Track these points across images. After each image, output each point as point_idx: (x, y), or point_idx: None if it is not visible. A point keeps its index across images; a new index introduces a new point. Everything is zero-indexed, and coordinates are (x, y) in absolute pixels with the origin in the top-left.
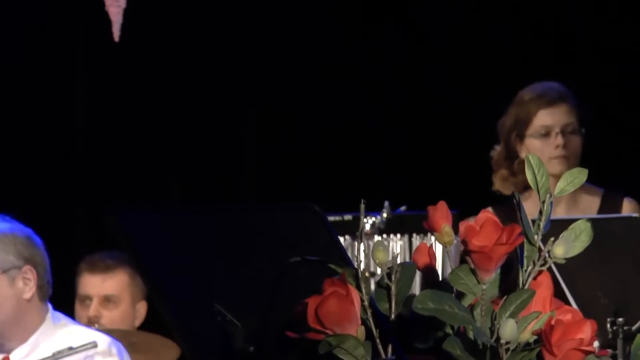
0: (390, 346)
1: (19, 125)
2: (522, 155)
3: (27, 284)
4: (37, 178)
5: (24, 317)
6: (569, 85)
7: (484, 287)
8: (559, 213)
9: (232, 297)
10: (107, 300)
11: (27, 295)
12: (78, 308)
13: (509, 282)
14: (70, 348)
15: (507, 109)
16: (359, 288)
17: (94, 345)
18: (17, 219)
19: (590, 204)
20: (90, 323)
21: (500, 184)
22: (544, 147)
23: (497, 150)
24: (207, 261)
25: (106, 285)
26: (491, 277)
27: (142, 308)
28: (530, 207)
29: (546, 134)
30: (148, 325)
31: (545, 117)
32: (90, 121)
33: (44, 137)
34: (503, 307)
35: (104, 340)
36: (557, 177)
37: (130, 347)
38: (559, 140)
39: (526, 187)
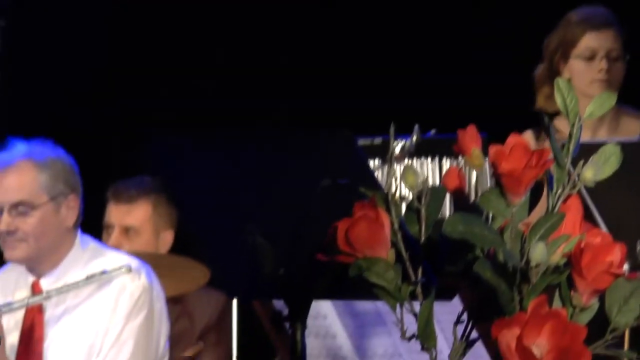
0: (420, 269)
1: (52, 49)
2: (565, 75)
3: (70, 212)
4: (68, 102)
5: (61, 244)
6: (616, 12)
7: (514, 210)
8: (602, 136)
9: (264, 219)
10: (128, 230)
11: (69, 223)
12: (104, 236)
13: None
14: (103, 272)
15: (554, 30)
16: (389, 211)
17: (128, 269)
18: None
19: (633, 128)
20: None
21: (543, 101)
22: (587, 69)
23: (541, 68)
24: (239, 185)
25: (128, 216)
26: (521, 200)
27: (167, 237)
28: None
29: (591, 57)
30: (177, 250)
31: (591, 40)
32: (119, 45)
33: (77, 59)
34: (533, 230)
35: (133, 263)
36: None
37: (159, 270)
38: (603, 64)
39: None
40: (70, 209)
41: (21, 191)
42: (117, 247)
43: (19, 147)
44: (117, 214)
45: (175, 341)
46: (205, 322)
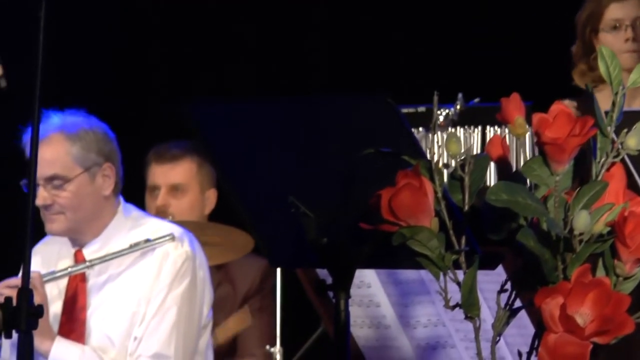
0: (463, 237)
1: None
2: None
3: (105, 181)
4: (107, 69)
5: (101, 213)
6: None
7: (557, 178)
8: (637, 106)
9: (306, 188)
10: (174, 189)
11: (106, 192)
12: (148, 199)
13: (582, 174)
14: (147, 240)
15: (584, 4)
16: (432, 180)
17: (171, 237)
18: (90, 111)
19: None
20: (158, 213)
21: (579, 79)
22: (615, 40)
23: (576, 45)
24: (281, 152)
25: (173, 174)
26: (564, 168)
27: (212, 195)
28: (607, 100)
29: (616, 27)
30: (219, 212)
31: (615, 11)
32: (163, 14)
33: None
34: (576, 199)
35: (176, 231)
36: (628, 71)
37: (203, 238)
38: (629, 33)
39: (604, 81)
40: (106, 178)
41: (54, 165)
42: (165, 206)
43: (52, 120)
44: (162, 173)
45: (218, 307)
46: (247, 287)
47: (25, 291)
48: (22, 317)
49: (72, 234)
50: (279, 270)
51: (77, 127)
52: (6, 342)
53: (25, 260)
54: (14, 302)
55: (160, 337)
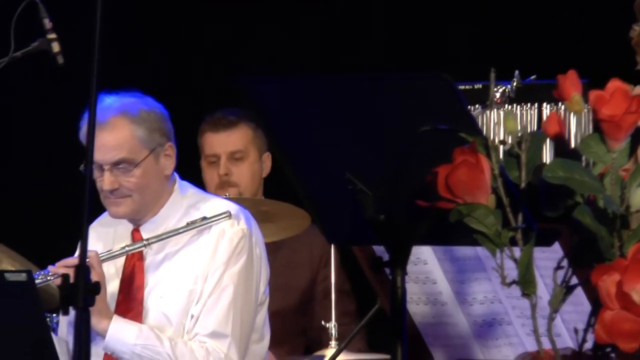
0: (520, 214)
1: None
2: None
3: (167, 160)
4: (161, 45)
5: (162, 192)
6: None
7: (614, 155)
8: None
9: (363, 165)
10: (234, 155)
11: (168, 171)
12: (206, 168)
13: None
14: (204, 218)
15: None
16: (489, 157)
17: (228, 215)
18: (136, 85)
19: None
20: (221, 181)
21: None
22: None
23: (636, 30)
24: (338, 130)
25: (232, 141)
26: (621, 145)
27: (267, 159)
28: None
29: None
30: (274, 182)
31: None
32: None
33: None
34: (633, 176)
35: (232, 208)
36: None
37: (260, 215)
38: None
39: None
40: (168, 157)
41: (121, 149)
42: (227, 175)
43: (110, 102)
44: (220, 141)
45: (274, 269)
46: (321, 250)
47: (83, 268)
48: (79, 294)
49: (136, 216)
50: (333, 247)
51: (137, 108)
52: (63, 320)
53: (82, 239)
54: (71, 279)
55: (217, 316)
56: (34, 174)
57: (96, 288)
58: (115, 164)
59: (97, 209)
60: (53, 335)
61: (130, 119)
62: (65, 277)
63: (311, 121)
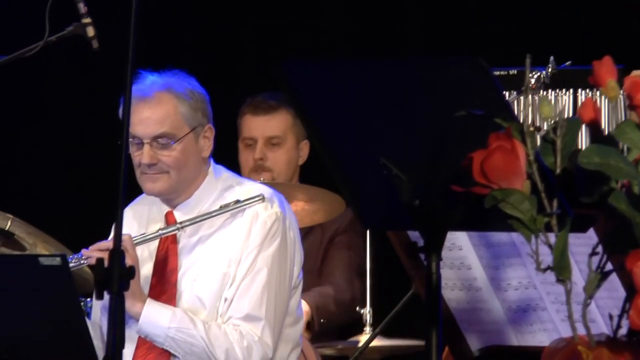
0: (555, 200)
1: None
2: None
3: (206, 143)
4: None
5: (198, 174)
6: None
7: None
8: None
9: (398, 150)
10: (271, 141)
11: (206, 153)
12: (242, 150)
13: None
14: (237, 201)
15: None
16: (524, 142)
17: (261, 198)
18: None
19: None
20: (256, 165)
21: None
22: None
23: None
24: (373, 114)
25: (270, 126)
26: None
27: (305, 147)
28: None
29: None
30: (310, 167)
31: None
32: None
33: None
34: None
35: (266, 192)
36: None
37: (295, 200)
38: None
39: None
40: (207, 139)
41: (163, 124)
42: (262, 159)
43: (155, 79)
44: (258, 125)
45: (306, 251)
46: (335, 227)
47: (117, 252)
48: (114, 278)
49: (170, 194)
50: (369, 232)
51: (183, 86)
52: (96, 305)
53: (117, 222)
54: (106, 264)
55: (251, 299)
56: (68, 158)
57: (131, 273)
58: (156, 138)
59: (132, 193)
60: (87, 319)
61: (174, 95)
62: (99, 261)
63: (347, 105)
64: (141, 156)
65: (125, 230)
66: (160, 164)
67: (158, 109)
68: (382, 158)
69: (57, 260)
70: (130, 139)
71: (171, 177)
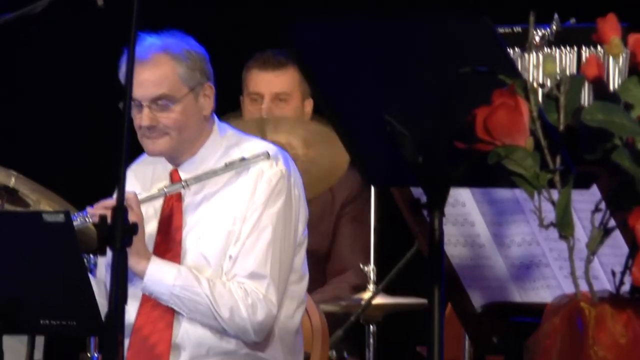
0: (558, 157)
1: None
2: None
3: (206, 101)
4: None
5: (200, 133)
6: None
7: None
8: None
9: (402, 107)
10: (278, 97)
11: (207, 112)
12: (247, 105)
13: None
14: (243, 159)
15: None
16: (527, 99)
17: (266, 155)
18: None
19: None
20: (260, 119)
21: None
22: None
23: None
24: (377, 70)
25: (278, 82)
26: None
27: (308, 105)
28: None
29: None
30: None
31: None
32: None
33: None
34: None
35: (271, 149)
36: None
37: (303, 141)
38: None
39: None
40: (207, 98)
41: (161, 85)
42: (269, 113)
43: (152, 41)
44: (266, 81)
45: (318, 216)
46: (346, 195)
47: (120, 209)
48: (117, 234)
49: (173, 154)
50: (373, 189)
51: (180, 47)
52: (101, 262)
53: (119, 179)
54: (109, 221)
55: (256, 257)
56: (72, 116)
57: (134, 229)
58: (155, 100)
59: (135, 151)
60: (91, 277)
61: (172, 56)
62: (103, 218)
63: (350, 62)
64: (141, 119)
65: (128, 188)
66: (160, 126)
67: (155, 71)
68: (386, 115)
69: (60, 217)
70: (132, 101)
71: (172, 138)
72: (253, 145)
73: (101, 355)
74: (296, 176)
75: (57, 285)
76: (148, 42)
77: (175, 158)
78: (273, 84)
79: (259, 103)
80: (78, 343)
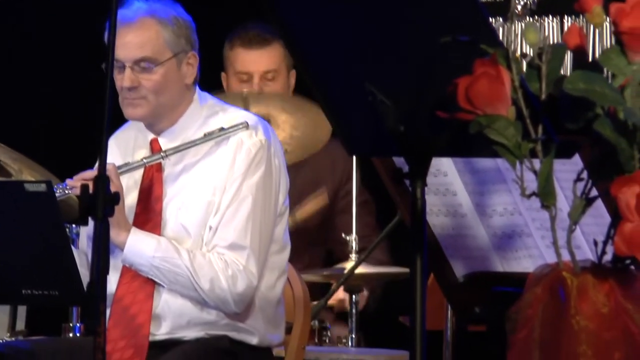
0: (540, 126)
1: None
2: None
3: (189, 69)
4: None
5: (181, 101)
6: None
7: (635, 67)
8: None
9: (383, 76)
10: (266, 75)
11: (189, 80)
12: (234, 83)
13: None
14: (222, 129)
15: None
16: (509, 68)
17: (245, 125)
18: None
19: None
20: (242, 95)
21: None
22: None
23: None
24: (359, 41)
25: (265, 60)
26: None
27: (292, 77)
28: None
29: None
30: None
31: None
32: None
33: None
34: None
35: (250, 119)
36: None
37: (282, 110)
38: None
39: None
40: (190, 66)
41: (145, 47)
42: (259, 91)
43: (140, 5)
44: (253, 60)
45: (316, 183)
46: (343, 165)
47: (102, 179)
48: (99, 204)
49: (151, 120)
50: (355, 158)
51: (167, 12)
52: (83, 233)
53: (101, 148)
54: (90, 190)
55: (235, 227)
56: (54, 85)
57: (115, 198)
58: (137, 62)
59: (118, 121)
60: (73, 247)
61: (158, 20)
62: (84, 187)
63: (333, 32)
64: (122, 80)
65: (110, 157)
66: (140, 88)
67: (140, 33)
68: (367, 84)
69: (42, 187)
70: (115, 62)
71: (150, 102)
72: (232, 115)
73: (84, 324)
74: (276, 146)
75: (39, 255)
76: (135, 6)
77: (154, 125)
78: (261, 62)
79: (248, 82)
80: (60, 313)
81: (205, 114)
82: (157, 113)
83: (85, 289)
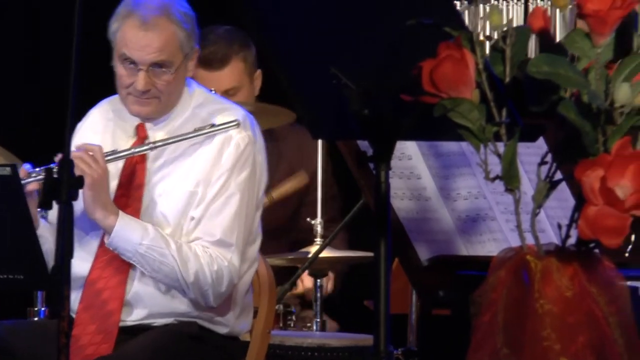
0: (504, 109)
1: None
2: None
3: (191, 65)
4: None
5: (181, 94)
6: None
7: (599, 51)
8: None
9: (348, 59)
10: (228, 92)
11: (190, 74)
12: None
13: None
14: (213, 125)
15: None
16: (473, 51)
17: (237, 124)
18: None
19: None
20: None
21: None
22: None
23: None
24: (323, 24)
25: (225, 79)
26: (606, 41)
27: (258, 78)
28: None
29: None
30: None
31: None
32: None
33: None
34: (617, 71)
35: (239, 115)
36: None
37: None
38: None
39: None
40: (192, 61)
41: (163, 52)
42: None
43: (149, 1)
44: (215, 79)
45: (286, 172)
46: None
47: (66, 162)
48: (63, 187)
49: (157, 116)
50: (320, 141)
51: (177, 9)
52: (50, 220)
53: (66, 132)
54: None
55: (222, 224)
56: (24, 70)
57: (79, 182)
58: (154, 65)
59: (86, 104)
60: (44, 222)
61: (172, 21)
62: (48, 171)
63: (298, 15)
64: (134, 79)
65: (90, 131)
66: (153, 90)
67: (158, 36)
68: (332, 67)
69: (7, 170)
70: (123, 59)
71: (161, 102)
72: (221, 108)
73: (48, 309)
74: (260, 141)
75: (4, 239)
76: (144, 3)
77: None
78: (221, 82)
79: None
80: (25, 297)
81: (194, 103)
82: (163, 111)
83: (50, 272)
